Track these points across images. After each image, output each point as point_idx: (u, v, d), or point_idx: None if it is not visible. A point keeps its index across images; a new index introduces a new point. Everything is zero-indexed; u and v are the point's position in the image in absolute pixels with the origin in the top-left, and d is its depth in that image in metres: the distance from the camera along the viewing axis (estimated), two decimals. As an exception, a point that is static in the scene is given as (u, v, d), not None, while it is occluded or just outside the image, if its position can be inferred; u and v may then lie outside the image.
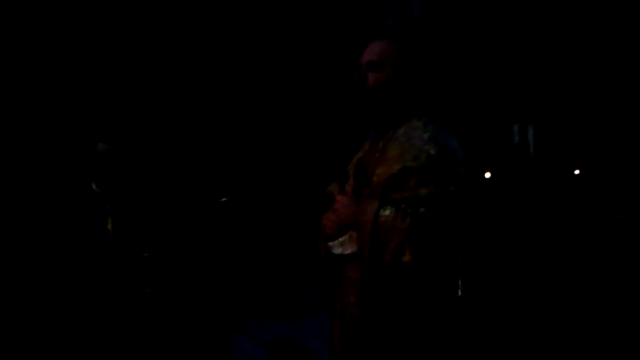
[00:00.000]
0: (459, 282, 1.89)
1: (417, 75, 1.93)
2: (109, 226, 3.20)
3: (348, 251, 1.87)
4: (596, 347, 3.10)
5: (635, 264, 2.95)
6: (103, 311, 3.12)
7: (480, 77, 3.97)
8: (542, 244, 3.49)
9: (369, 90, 1.90)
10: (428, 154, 1.75)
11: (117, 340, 3.16)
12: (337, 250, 1.92)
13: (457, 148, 1.83)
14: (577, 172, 3.33)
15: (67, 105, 4.42)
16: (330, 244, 1.95)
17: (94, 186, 3.25)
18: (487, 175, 3.82)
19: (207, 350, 3.57)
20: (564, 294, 3.33)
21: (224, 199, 3.83)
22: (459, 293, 1.88)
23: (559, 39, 3.38)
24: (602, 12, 3.13)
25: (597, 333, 3.10)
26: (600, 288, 3.12)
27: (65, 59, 4.43)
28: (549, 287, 3.42)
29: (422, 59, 1.98)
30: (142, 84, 4.71)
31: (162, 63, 4.81)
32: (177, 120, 4.84)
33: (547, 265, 3.44)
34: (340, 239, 1.90)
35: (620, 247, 3.03)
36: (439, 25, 4.26)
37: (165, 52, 4.81)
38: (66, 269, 3.21)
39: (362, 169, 1.94)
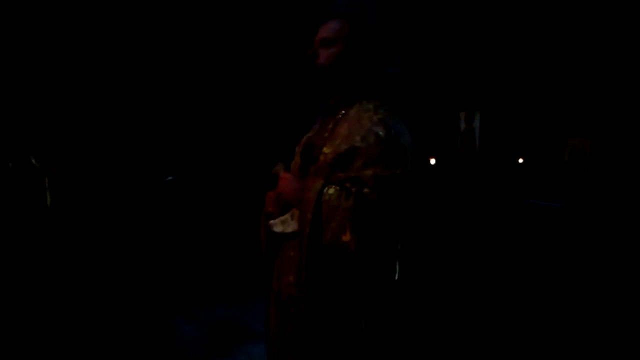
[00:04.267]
0: (397, 266, 1.89)
1: (368, 56, 1.92)
2: (48, 201, 3.09)
3: (289, 229, 1.85)
4: (532, 331, 3.20)
5: (572, 250, 3.05)
6: (41, 290, 3.03)
7: (428, 63, 4.00)
8: (485, 230, 3.56)
9: (319, 66, 1.89)
10: (377, 136, 1.73)
11: (55, 321, 3.08)
12: (278, 229, 1.90)
13: (406, 132, 1.83)
14: (520, 160, 3.40)
15: (3, 80, 4.24)
16: (272, 222, 1.92)
17: (32, 160, 3.13)
18: (432, 161, 3.86)
19: (148, 331, 3.51)
20: (504, 279, 3.41)
21: (169, 178, 3.77)
22: (396, 277, 1.89)
23: (507, 27, 3.43)
24: None
25: (534, 317, 3.20)
26: (539, 272, 3.22)
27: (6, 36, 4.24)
28: (490, 272, 3.50)
29: (375, 39, 1.96)
30: (85, 59, 4.56)
31: (103, 38, 4.66)
32: (121, 93, 4.71)
33: (489, 251, 3.52)
34: (282, 217, 1.88)
35: (559, 234, 3.12)
36: (389, 12, 4.28)
37: (101, 28, 4.65)
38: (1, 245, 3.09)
39: (310, 148, 1.91)
